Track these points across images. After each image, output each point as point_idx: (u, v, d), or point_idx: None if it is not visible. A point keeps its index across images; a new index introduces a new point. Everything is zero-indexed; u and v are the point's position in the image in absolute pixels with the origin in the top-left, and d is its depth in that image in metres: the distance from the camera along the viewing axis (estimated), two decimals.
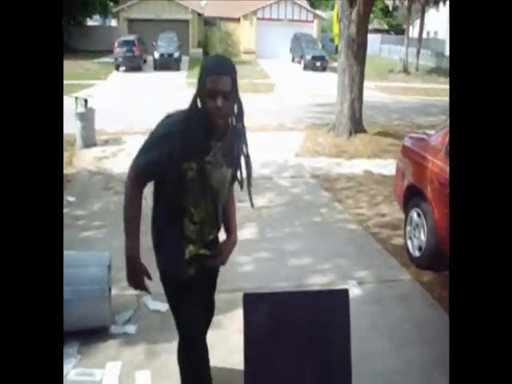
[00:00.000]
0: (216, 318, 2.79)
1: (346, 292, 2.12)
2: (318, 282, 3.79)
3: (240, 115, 1.98)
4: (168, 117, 1.98)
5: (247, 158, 2.12)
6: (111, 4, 32.35)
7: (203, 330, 2.26)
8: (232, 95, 1.86)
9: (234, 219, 2.38)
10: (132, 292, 3.57)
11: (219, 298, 3.32)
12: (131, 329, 3.14)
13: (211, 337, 2.93)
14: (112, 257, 3.16)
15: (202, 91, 1.85)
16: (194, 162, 1.94)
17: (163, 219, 2.10)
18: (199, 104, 1.90)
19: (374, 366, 2.83)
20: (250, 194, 2.31)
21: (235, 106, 1.94)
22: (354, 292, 3.58)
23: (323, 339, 2.07)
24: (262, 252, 4.31)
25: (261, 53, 28.76)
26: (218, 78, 1.82)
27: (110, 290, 3.05)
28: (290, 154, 8.11)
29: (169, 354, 2.89)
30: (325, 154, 8.21)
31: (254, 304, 2.05)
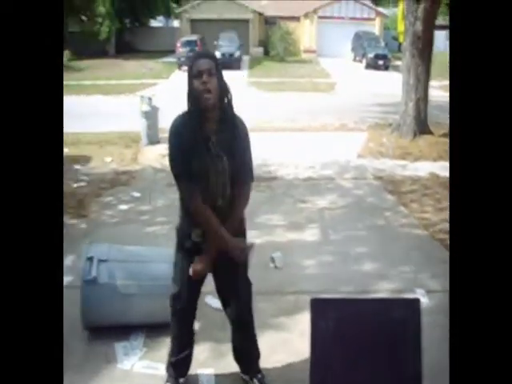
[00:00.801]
0: (279, 320, 2.75)
1: (417, 302, 2.02)
2: (383, 288, 3.66)
3: (225, 92, 2.18)
4: (174, 121, 2.26)
5: (246, 148, 2.24)
6: (174, 5, 33.12)
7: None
8: (215, 75, 2.14)
9: (235, 215, 2.30)
10: None
11: (283, 299, 3.29)
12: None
13: (273, 339, 2.91)
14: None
15: (191, 78, 2.14)
16: (195, 157, 2.15)
17: (181, 212, 2.36)
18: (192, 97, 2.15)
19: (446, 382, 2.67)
20: (246, 188, 2.29)
21: (221, 84, 2.16)
22: (422, 301, 3.41)
23: (392, 350, 1.98)
24: (325, 255, 4.22)
25: (321, 52, 28.43)
26: (200, 61, 2.14)
27: None
28: (353, 155, 7.93)
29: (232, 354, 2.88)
30: (388, 155, 7.97)
31: (322, 309, 1.99)
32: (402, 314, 2.00)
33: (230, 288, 2.46)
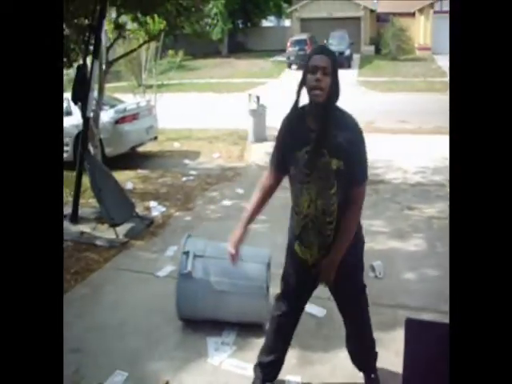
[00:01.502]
0: (375, 335, 2.60)
1: None
2: None
3: (338, 93, 2.14)
4: (286, 115, 2.28)
5: (357, 150, 2.14)
6: (285, 5, 33.40)
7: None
8: (330, 74, 2.09)
9: (348, 227, 2.20)
10: None
11: (379, 311, 3.10)
12: None
13: None
14: (272, 254, 3.15)
15: (306, 72, 2.11)
16: (300, 151, 2.15)
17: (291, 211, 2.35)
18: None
19: None
20: (356, 190, 2.17)
21: (334, 84, 2.11)
22: None
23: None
24: (429, 268, 3.91)
25: (437, 49, 26.80)
26: (318, 57, 2.10)
27: (268, 287, 3.05)
28: None
29: (322, 364, 2.78)
30: None
31: (417, 331, 1.88)
32: None
33: (345, 289, 2.39)
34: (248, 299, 2.97)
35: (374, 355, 2.58)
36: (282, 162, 2.27)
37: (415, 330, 1.86)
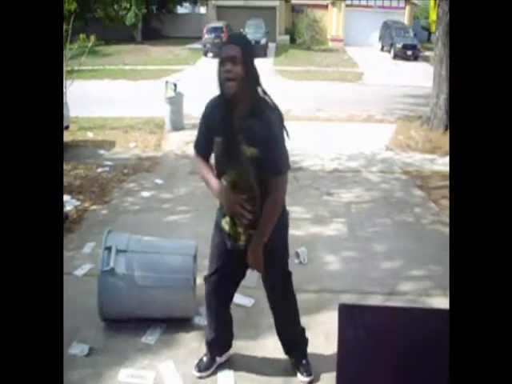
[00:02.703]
0: (302, 320, 2.63)
1: (446, 312, 1.87)
2: (411, 289, 3.49)
3: (254, 81, 2.13)
4: (207, 102, 2.29)
5: (272, 139, 2.12)
6: None
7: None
8: (241, 61, 2.06)
9: (266, 216, 2.21)
10: None
11: (305, 297, 3.15)
12: None
13: None
14: (197, 245, 3.07)
15: (219, 64, 2.11)
16: (219, 138, 2.19)
17: None
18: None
19: None
20: (274, 180, 2.17)
21: (247, 72, 2.08)
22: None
23: (419, 363, 1.85)
24: (350, 251, 4.05)
25: (349, 41, 27.86)
26: (226, 46, 2.10)
27: (194, 280, 2.97)
28: (380, 148, 7.69)
29: (252, 353, 2.77)
30: (418, 148, 7.71)
31: (350, 316, 1.88)
32: (431, 326, 1.86)
33: (270, 276, 2.43)
34: (174, 293, 2.88)
35: (305, 341, 2.62)
36: (205, 148, 2.32)
37: (348, 315, 1.86)
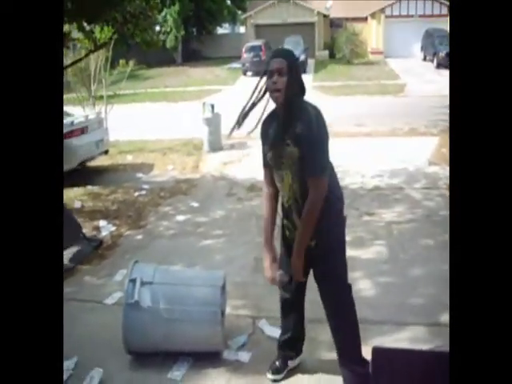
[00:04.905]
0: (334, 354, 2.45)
1: None
2: None
3: (299, 90, 2.28)
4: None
5: (312, 139, 2.18)
6: (239, 12, 33.36)
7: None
8: (287, 74, 2.20)
9: (305, 217, 2.24)
10: (247, 312, 3.37)
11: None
12: (245, 356, 2.87)
13: (326, 377, 2.58)
14: (229, 271, 2.94)
15: (267, 78, 2.25)
16: (270, 149, 2.33)
17: None
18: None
19: None
20: (313, 182, 2.21)
21: (293, 83, 2.22)
22: None
23: None
24: (389, 276, 3.80)
25: (389, 52, 27.40)
26: (272, 60, 2.24)
27: (223, 313, 2.84)
28: (423, 162, 7.35)
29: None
30: None
31: (384, 360, 1.77)
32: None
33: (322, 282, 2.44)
34: (201, 326, 2.75)
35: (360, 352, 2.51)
36: (267, 161, 2.42)
37: (382, 359, 1.75)
